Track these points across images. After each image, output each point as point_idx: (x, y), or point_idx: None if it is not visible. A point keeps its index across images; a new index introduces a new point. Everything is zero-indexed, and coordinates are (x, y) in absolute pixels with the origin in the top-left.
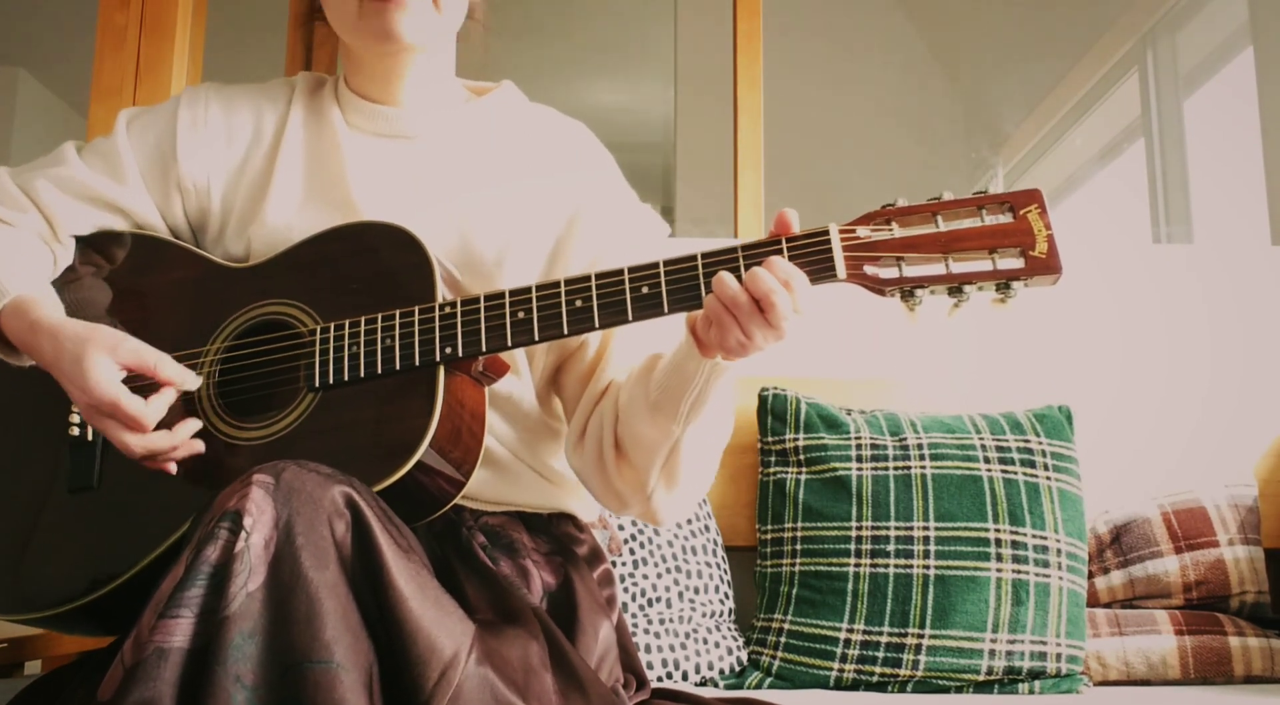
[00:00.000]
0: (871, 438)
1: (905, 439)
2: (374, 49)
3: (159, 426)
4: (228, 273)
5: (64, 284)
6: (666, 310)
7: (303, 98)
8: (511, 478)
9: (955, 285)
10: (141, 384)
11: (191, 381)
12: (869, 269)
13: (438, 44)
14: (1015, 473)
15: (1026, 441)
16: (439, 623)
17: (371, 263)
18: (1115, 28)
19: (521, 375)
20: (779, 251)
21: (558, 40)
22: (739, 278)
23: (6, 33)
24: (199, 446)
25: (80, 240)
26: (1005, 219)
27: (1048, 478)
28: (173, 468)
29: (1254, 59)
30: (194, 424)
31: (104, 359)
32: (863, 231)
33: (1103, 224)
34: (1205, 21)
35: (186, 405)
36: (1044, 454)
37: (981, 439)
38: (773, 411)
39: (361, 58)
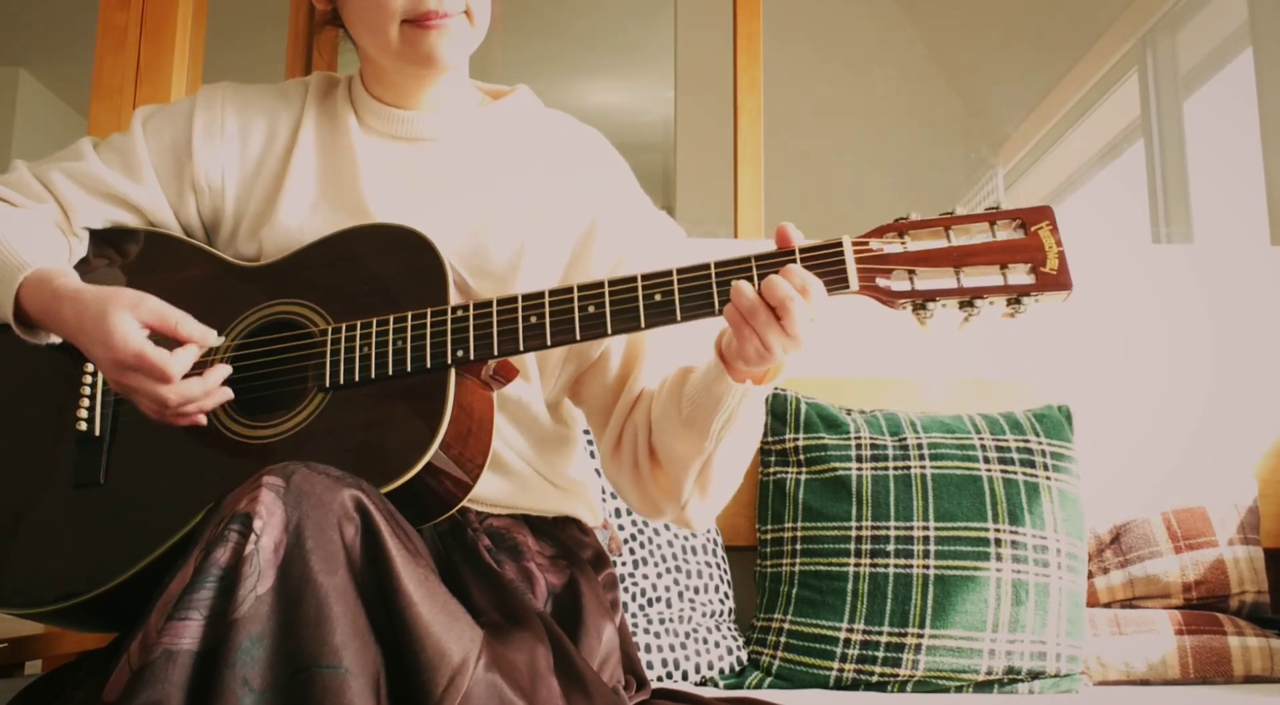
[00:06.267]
0: (871, 438)
1: (905, 439)
2: (410, 72)
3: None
4: (239, 271)
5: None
6: (679, 318)
7: (316, 99)
8: (519, 482)
9: (966, 299)
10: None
11: (213, 339)
12: (881, 281)
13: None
14: (1015, 473)
15: (1026, 441)
16: (448, 628)
17: (384, 264)
18: (1115, 28)
19: (531, 381)
20: (793, 261)
21: (558, 40)
22: (755, 287)
23: (7, 33)
24: (228, 394)
25: (94, 235)
26: (1017, 235)
27: (1047, 478)
28: (202, 419)
29: (1253, 59)
30: (224, 370)
31: (126, 315)
32: (875, 244)
33: (1103, 224)
34: (1205, 22)
35: None
36: (1044, 454)
37: (981, 439)
38: (773, 411)
39: (386, 70)
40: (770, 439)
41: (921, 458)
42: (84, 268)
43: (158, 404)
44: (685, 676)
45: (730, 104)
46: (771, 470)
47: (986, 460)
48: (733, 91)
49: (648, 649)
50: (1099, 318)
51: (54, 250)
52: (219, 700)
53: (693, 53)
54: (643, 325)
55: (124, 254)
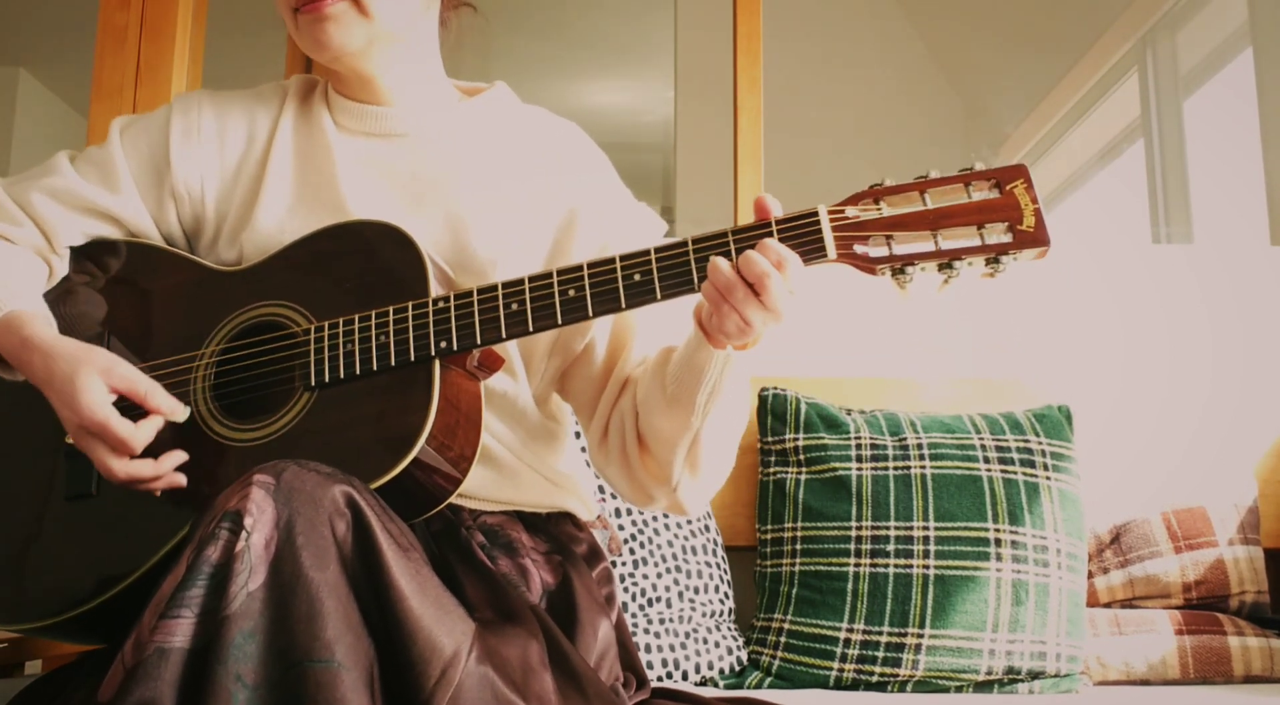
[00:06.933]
0: (871, 438)
1: (905, 439)
2: (320, 59)
3: (146, 453)
4: (220, 276)
5: (59, 294)
6: (659, 296)
7: (294, 101)
8: (510, 476)
9: (945, 261)
10: (130, 406)
11: (181, 413)
12: (859, 248)
13: (386, 43)
14: (1015, 473)
15: (1026, 441)
16: (439, 621)
17: (364, 261)
18: (1115, 28)
19: (518, 376)
20: (769, 234)
21: (558, 40)
22: (732, 262)
23: (7, 33)
24: (180, 480)
25: (74, 250)
26: (992, 195)
27: (1047, 478)
28: (157, 490)
29: (1253, 59)
30: (179, 456)
31: (96, 380)
32: (851, 211)
33: (1103, 224)
34: (1205, 22)
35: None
36: (1043, 454)
37: (981, 439)
38: (773, 411)
39: (334, 69)
40: (770, 439)
41: (921, 458)
42: (65, 285)
43: (105, 474)
44: (685, 676)
45: (730, 104)
46: (771, 470)
47: (986, 460)
48: (733, 91)
49: (648, 649)
50: (1099, 318)
51: (30, 284)
52: (212, 697)
53: (693, 53)
54: (623, 305)
55: (104, 267)
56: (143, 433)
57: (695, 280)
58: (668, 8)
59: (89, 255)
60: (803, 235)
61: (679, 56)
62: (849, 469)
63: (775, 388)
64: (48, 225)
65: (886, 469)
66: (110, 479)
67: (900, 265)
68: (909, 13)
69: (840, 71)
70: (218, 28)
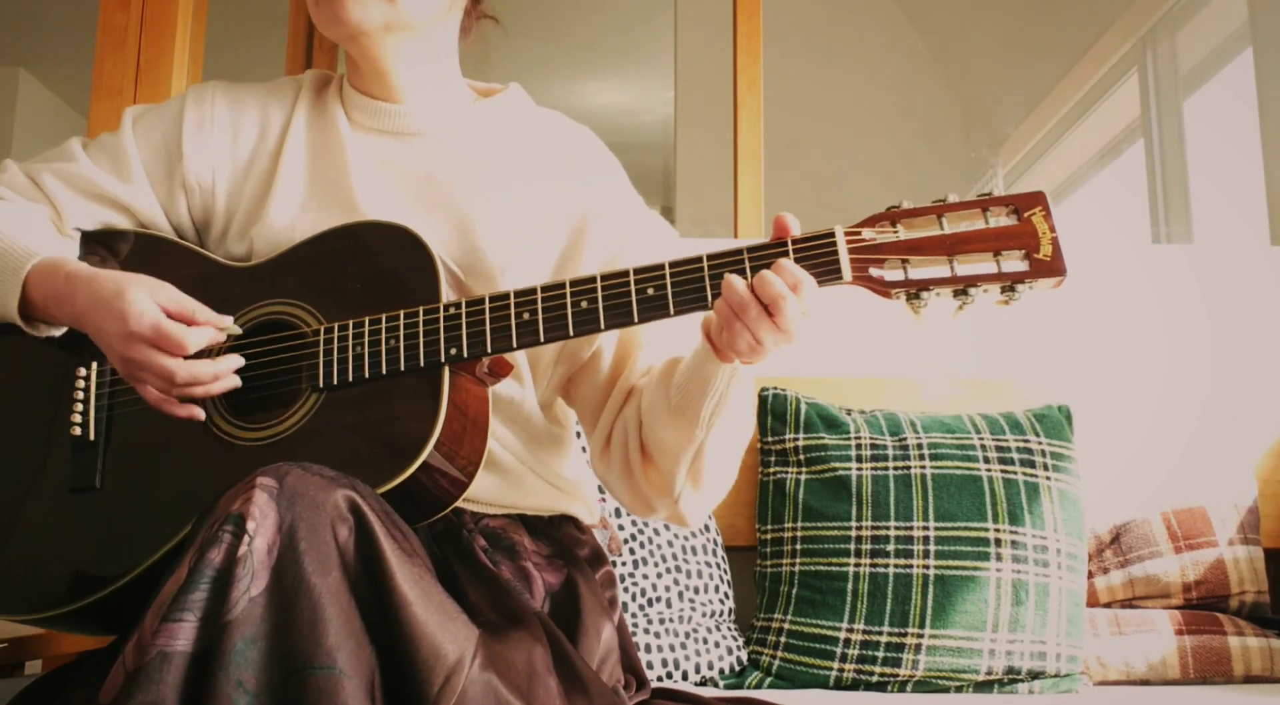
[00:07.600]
0: (871, 438)
1: (905, 439)
2: (335, 37)
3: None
4: (230, 272)
5: None
6: (672, 312)
7: (308, 96)
8: (514, 480)
9: (960, 288)
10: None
11: (229, 323)
12: (874, 272)
13: (405, 32)
14: (1015, 473)
15: (1026, 441)
16: (443, 627)
17: (375, 262)
18: (1115, 28)
19: (524, 381)
20: (785, 253)
21: (558, 40)
22: (746, 280)
23: (7, 33)
24: (236, 382)
25: (84, 236)
26: (1009, 221)
27: (1047, 478)
28: (200, 413)
29: (1253, 59)
30: (236, 359)
31: (144, 294)
32: (868, 234)
33: (1103, 224)
34: (1205, 22)
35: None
36: (1043, 454)
37: (981, 439)
38: (773, 411)
39: (349, 51)
40: (770, 439)
41: (921, 458)
42: None
43: (164, 379)
44: (685, 676)
45: (730, 104)
46: (771, 470)
47: (986, 460)
48: (733, 91)
49: (648, 649)
50: (1099, 318)
51: (55, 241)
52: (213, 702)
53: (693, 53)
54: (636, 319)
55: (114, 255)
56: (195, 335)
57: (709, 297)
58: (668, 8)
59: (99, 241)
60: (818, 257)
61: (679, 56)
62: (849, 469)
63: (775, 388)
64: (60, 206)
65: (886, 469)
66: (166, 385)
67: (915, 290)
68: (909, 13)
69: (840, 72)
70: (218, 28)
